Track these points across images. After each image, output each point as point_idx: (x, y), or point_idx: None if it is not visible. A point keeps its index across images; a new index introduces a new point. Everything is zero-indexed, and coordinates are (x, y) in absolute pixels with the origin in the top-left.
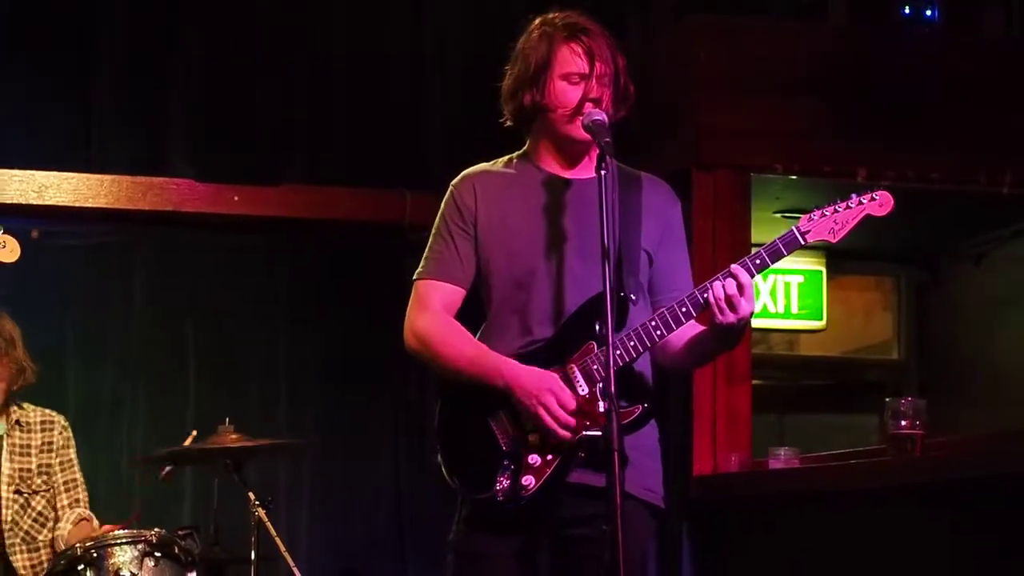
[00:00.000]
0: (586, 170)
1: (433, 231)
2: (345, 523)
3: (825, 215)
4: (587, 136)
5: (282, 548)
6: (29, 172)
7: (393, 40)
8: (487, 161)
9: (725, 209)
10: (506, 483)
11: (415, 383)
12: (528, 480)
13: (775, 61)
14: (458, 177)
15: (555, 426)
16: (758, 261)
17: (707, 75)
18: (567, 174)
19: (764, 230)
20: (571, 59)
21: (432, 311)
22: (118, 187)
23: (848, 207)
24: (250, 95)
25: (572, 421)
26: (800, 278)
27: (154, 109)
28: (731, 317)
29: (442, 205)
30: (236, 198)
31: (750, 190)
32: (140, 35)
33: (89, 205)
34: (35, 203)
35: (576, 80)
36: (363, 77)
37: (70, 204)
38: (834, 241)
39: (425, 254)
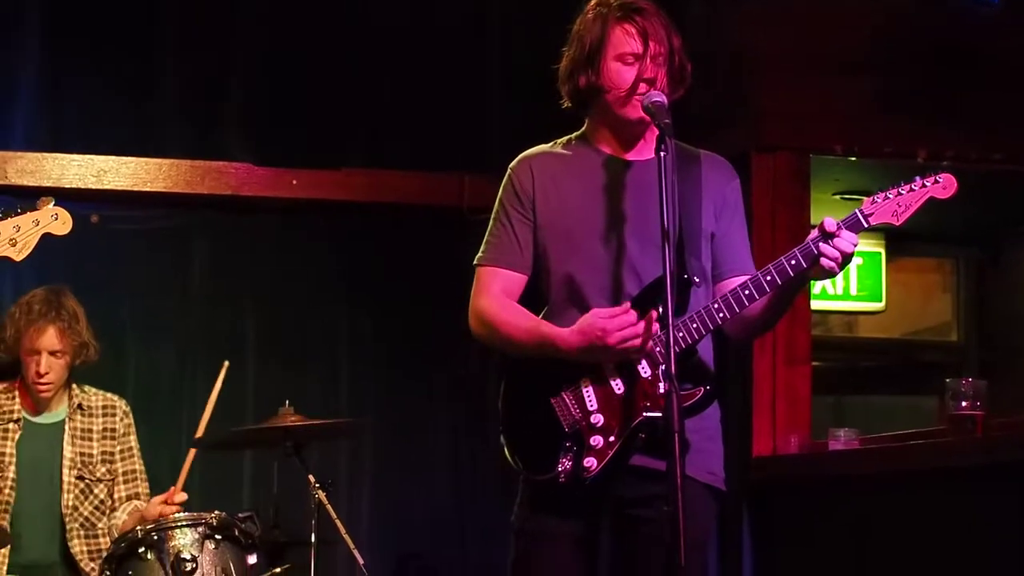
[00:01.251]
0: (644, 151)
1: (493, 215)
2: (405, 504)
3: (888, 197)
4: (642, 116)
5: (342, 530)
6: (88, 157)
7: (453, 22)
8: (546, 142)
9: (785, 191)
10: (568, 465)
11: (474, 364)
12: (590, 462)
13: (834, 42)
14: (516, 160)
15: (626, 345)
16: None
17: (766, 56)
18: (625, 155)
19: (823, 212)
20: (625, 39)
21: (491, 293)
22: (177, 171)
23: (911, 189)
24: (309, 79)
25: (635, 331)
26: (859, 260)
27: (213, 93)
28: (832, 265)
29: (501, 188)
30: (295, 182)
31: (809, 172)
32: (200, 19)
33: (148, 189)
34: (94, 187)
35: (630, 60)
36: (422, 59)
37: (129, 188)
38: (897, 224)
39: (485, 238)
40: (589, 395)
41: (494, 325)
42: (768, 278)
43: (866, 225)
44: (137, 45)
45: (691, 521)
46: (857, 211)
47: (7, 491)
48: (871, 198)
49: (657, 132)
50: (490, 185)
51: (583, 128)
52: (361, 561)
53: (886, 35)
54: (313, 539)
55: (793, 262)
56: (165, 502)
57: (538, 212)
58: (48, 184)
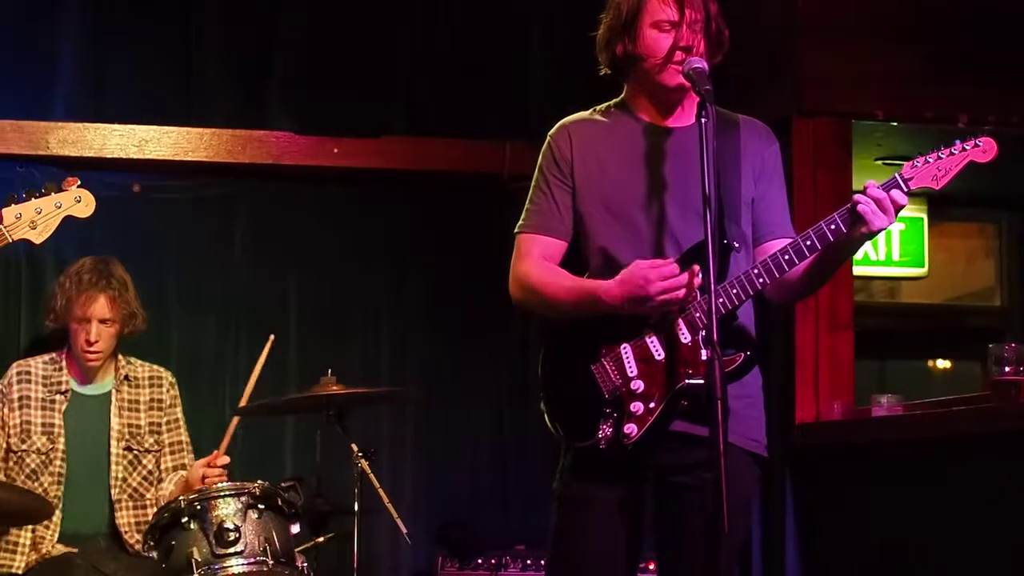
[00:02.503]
0: (682, 118)
1: (532, 182)
2: (448, 473)
3: (928, 162)
4: (680, 83)
5: (385, 499)
6: (130, 126)
7: None
8: (586, 109)
9: (826, 157)
10: (608, 431)
11: (516, 331)
12: (630, 428)
13: (876, 7)
14: (555, 127)
15: (668, 296)
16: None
17: (807, 21)
18: (664, 122)
19: (865, 177)
20: (661, 7)
21: (532, 258)
22: (218, 140)
23: (951, 153)
24: (349, 47)
25: (678, 282)
26: (902, 225)
27: (254, 62)
28: (883, 221)
29: (540, 156)
30: (336, 150)
31: (851, 137)
32: None
33: (189, 159)
34: (136, 157)
35: (667, 28)
36: (462, 26)
37: (170, 158)
38: (937, 188)
39: (525, 206)
40: (629, 361)
41: (536, 287)
42: (808, 243)
43: (906, 189)
44: (178, 14)
45: (733, 488)
46: (897, 175)
47: (58, 462)
48: (911, 162)
49: (697, 98)
50: (531, 152)
51: (622, 95)
52: (404, 530)
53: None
54: (356, 508)
55: (833, 226)
56: (208, 465)
57: (577, 179)
58: (90, 154)
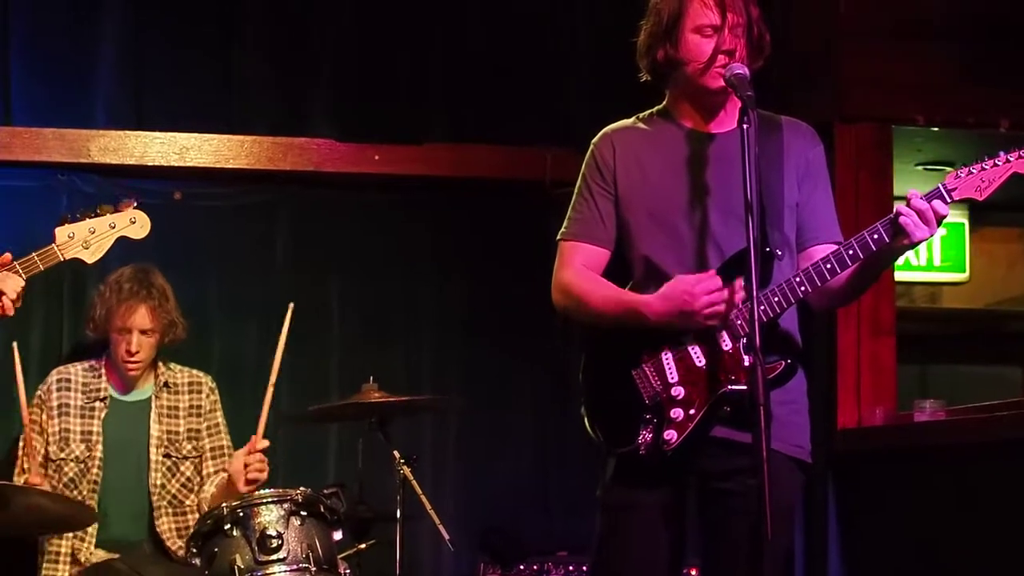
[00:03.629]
0: (724, 123)
1: (576, 190)
2: (489, 478)
3: (972, 172)
4: (721, 86)
5: (427, 506)
6: (171, 134)
7: None
8: (629, 117)
9: (867, 162)
10: (648, 437)
11: (558, 337)
12: (670, 435)
13: (917, 10)
14: (598, 135)
15: (712, 310)
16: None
17: (847, 26)
18: (707, 128)
19: (906, 183)
20: (702, 11)
21: (574, 266)
22: (259, 148)
23: (995, 164)
24: (391, 53)
25: (720, 297)
26: (943, 231)
27: (295, 69)
28: (924, 232)
29: (584, 164)
30: (377, 157)
31: (891, 142)
32: None
33: (230, 166)
34: (177, 164)
35: (708, 32)
36: (504, 33)
37: (211, 165)
38: (980, 199)
39: (568, 213)
40: (670, 367)
41: (578, 296)
42: (850, 252)
43: (949, 200)
44: (219, 22)
45: (776, 493)
46: (940, 185)
47: (95, 470)
48: (955, 172)
49: (739, 102)
50: (573, 159)
51: (664, 102)
52: (446, 536)
53: (968, 3)
54: (398, 514)
55: (875, 236)
56: (248, 452)
57: (620, 187)
58: (131, 162)
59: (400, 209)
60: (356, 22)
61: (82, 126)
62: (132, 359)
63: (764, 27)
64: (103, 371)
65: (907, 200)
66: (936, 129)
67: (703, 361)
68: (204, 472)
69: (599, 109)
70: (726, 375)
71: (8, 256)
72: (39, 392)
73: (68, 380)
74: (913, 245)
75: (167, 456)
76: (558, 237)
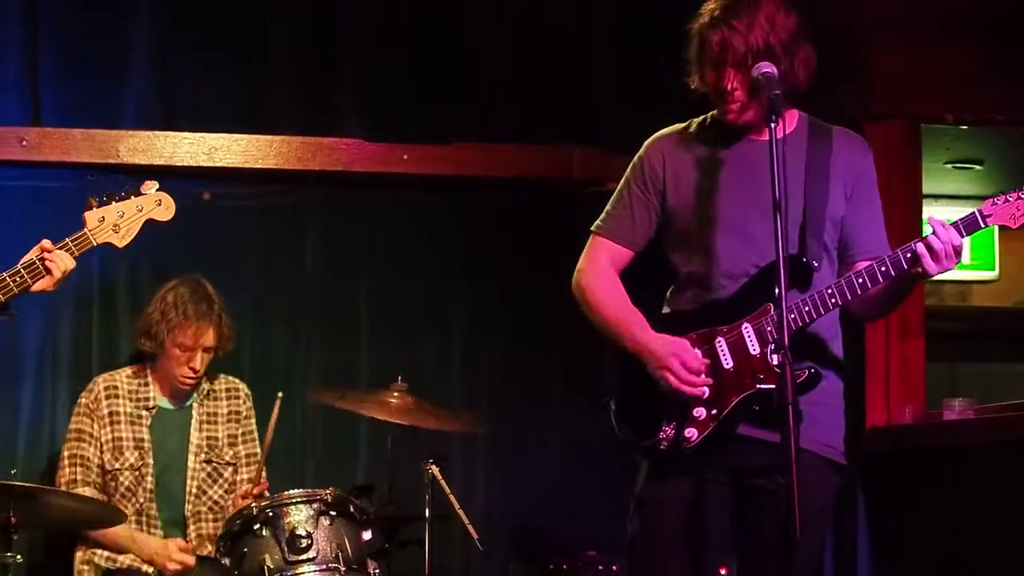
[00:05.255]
0: (780, 128)
1: (619, 186)
2: (519, 479)
3: (1008, 200)
4: (737, 120)
5: (456, 506)
6: (199, 134)
7: None
8: (656, 115)
9: (896, 160)
10: (670, 432)
11: (588, 337)
12: (691, 432)
13: (944, 8)
14: (651, 138)
15: (680, 386)
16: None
17: (876, 24)
18: (753, 135)
19: (935, 181)
20: (711, 47)
21: (598, 265)
22: (288, 148)
23: None
24: (419, 53)
25: (697, 381)
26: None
27: (323, 69)
28: (933, 268)
29: (631, 164)
30: (405, 157)
31: (921, 141)
32: None
33: (259, 166)
34: (205, 165)
35: (711, 69)
36: (532, 33)
37: (240, 165)
38: (1014, 227)
39: (607, 207)
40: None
41: (589, 298)
42: (883, 269)
43: (983, 226)
44: (248, 22)
45: (808, 493)
46: (976, 212)
47: (149, 478)
48: (992, 199)
49: (791, 110)
50: (600, 157)
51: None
52: (476, 536)
53: (996, 0)
54: (427, 514)
55: (909, 255)
56: (244, 496)
57: (667, 193)
58: (160, 162)
59: (429, 208)
60: (384, 22)
61: (111, 127)
62: (194, 376)
63: (796, 43)
64: (148, 379)
65: (932, 231)
66: (965, 127)
67: (730, 363)
68: (238, 478)
69: (626, 107)
70: (753, 377)
71: (48, 241)
72: (85, 401)
73: (115, 387)
74: (929, 276)
75: (207, 462)
76: (592, 227)
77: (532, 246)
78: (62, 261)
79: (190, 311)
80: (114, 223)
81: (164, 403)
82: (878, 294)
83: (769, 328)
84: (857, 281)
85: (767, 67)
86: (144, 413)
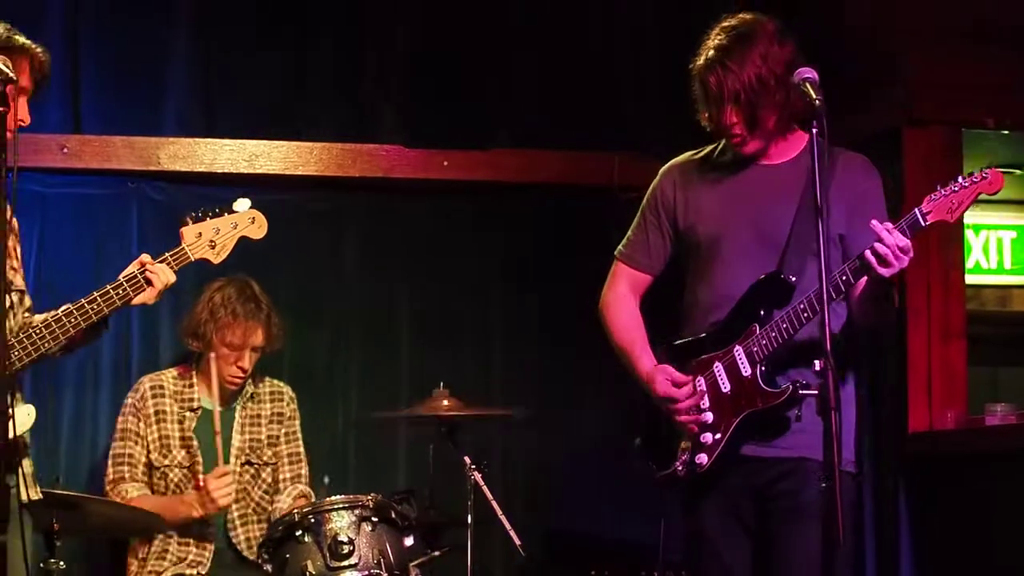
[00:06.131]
0: (787, 151)
1: (639, 209)
2: (560, 484)
3: (943, 195)
4: (740, 154)
5: (498, 511)
6: (240, 141)
7: (602, 1)
8: (696, 119)
9: (937, 166)
10: (685, 459)
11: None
12: (701, 458)
13: (984, 13)
14: (666, 166)
15: (680, 418)
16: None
17: (916, 30)
18: (763, 160)
19: None
20: (704, 90)
21: (616, 291)
22: (328, 154)
23: (963, 187)
24: (458, 59)
25: (690, 415)
26: (1013, 234)
27: (363, 76)
28: (884, 271)
29: (648, 189)
30: (446, 163)
31: (962, 146)
32: (350, 3)
33: (299, 173)
34: (246, 172)
35: (717, 106)
36: (571, 39)
37: (281, 172)
38: (952, 221)
39: (628, 232)
40: (702, 392)
41: (606, 323)
42: (843, 277)
43: (924, 224)
44: (288, 30)
45: (805, 498)
46: (916, 210)
47: (201, 477)
48: (929, 196)
49: (795, 132)
50: (640, 163)
51: None
52: (518, 541)
53: None
54: (470, 520)
55: (858, 263)
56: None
57: (678, 222)
58: (200, 169)
59: (469, 215)
60: (423, 29)
61: (152, 134)
62: (242, 375)
63: (757, 88)
64: (193, 380)
65: (877, 238)
66: (1006, 132)
67: (728, 387)
68: (280, 478)
69: (667, 112)
70: (747, 400)
71: (147, 256)
72: (131, 400)
73: (161, 387)
74: (883, 277)
75: (248, 463)
76: (615, 251)
77: (572, 252)
78: (164, 274)
79: (239, 310)
80: (210, 239)
81: (208, 404)
82: (860, 302)
83: (755, 349)
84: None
85: (808, 72)
86: (188, 414)
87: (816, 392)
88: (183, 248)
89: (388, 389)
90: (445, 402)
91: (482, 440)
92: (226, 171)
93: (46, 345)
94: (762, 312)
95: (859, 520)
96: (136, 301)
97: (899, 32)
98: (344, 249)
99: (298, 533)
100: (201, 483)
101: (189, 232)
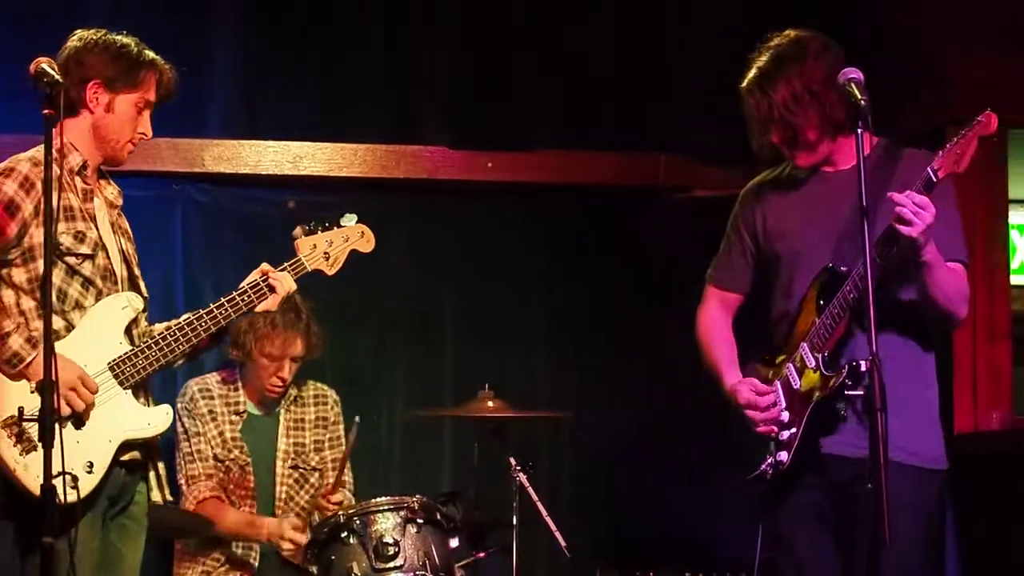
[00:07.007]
0: (849, 157)
1: (725, 233)
2: (605, 485)
3: (949, 149)
4: (805, 165)
5: (543, 512)
6: (284, 143)
7: (650, 2)
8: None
9: (982, 165)
10: (770, 460)
11: (671, 343)
12: (782, 455)
13: (1023, 10)
14: (746, 187)
15: (760, 427)
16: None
17: (960, 29)
18: (826, 168)
19: (1021, 185)
20: (753, 111)
21: (706, 311)
22: (372, 156)
23: (963, 136)
24: (502, 60)
25: (765, 416)
26: None
27: (407, 78)
28: (907, 230)
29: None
30: (490, 164)
31: (1007, 145)
32: (394, 5)
33: (343, 174)
34: (290, 173)
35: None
36: (615, 39)
37: (324, 174)
38: (960, 171)
39: (717, 254)
40: (779, 394)
41: (700, 342)
42: (878, 250)
43: (936, 179)
44: (332, 31)
45: (895, 502)
46: (928, 168)
47: (250, 477)
48: (937, 152)
49: (844, 139)
50: (686, 163)
51: None
52: (563, 543)
53: None
54: (515, 521)
55: (888, 230)
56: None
57: (760, 240)
58: (245, 171)
59: (514, 216)
60: (468, 30)
61: (196, 135)
62: (282, 385)
63: (791, 105)
64: (238, 385)
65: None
66: None
67: (798, 383)
68: (324, 483)
69: (713, 112)
70: (815, 390)
71: (267, 265)
72: (181, 404)
73: (208, 390)
74: (916, 240)
75: (295, 467)
76: (706, 275)
77: (617, 253)
78: (286, 281)
79: (278, 321)
80: (324, 251)
81: (253, 409)
82: (920, 280)
83: (815, 340)
84: (864, 271)
85: (853, 73)
86: (234, 418)
87: (862, 393)
88: (300, 259)
89: (433, 389)
90: (490, 403)
91: (527, 440)
92: (270, 172)
93: (174, 352)
94: (821, 303)
95: (941, 516)
96: (259, 308)
97: (939, 32)
98: (388, 251)
99: (343, 535)
100: (252, 479)
101: (304, 244)
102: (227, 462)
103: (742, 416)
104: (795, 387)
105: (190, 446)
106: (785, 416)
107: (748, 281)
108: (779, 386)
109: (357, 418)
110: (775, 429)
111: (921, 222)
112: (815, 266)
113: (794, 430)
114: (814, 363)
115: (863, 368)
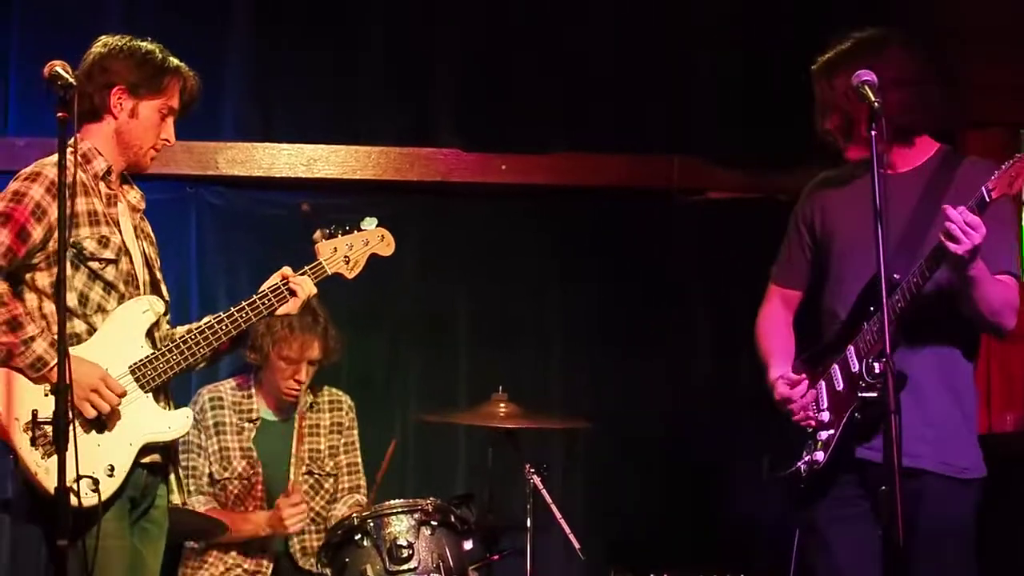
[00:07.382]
0: (909, 161)
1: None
2: (619, 488)
3: (1004, 170)
4: (856, 159)
5: (558, 515)
6: (298, 145)
7: (660, 3)
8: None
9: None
10: (807, 458)
11: (686, 346)
12: (818, 455)
13: None
14: (811, 183)
15: (799, 420)
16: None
17: (974, 32)
18: (893, 168)
19: None
20: (818, 97)
21: (765, 309)
22: (386, 158)
23: (1019, 159)
24: (515, 63)
25: (806, 413)
26: None
27: (421, 80)
28: (955, 248)
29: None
30: (504, 167)
31: (1021, 146)
32: (406, 6)
33: (357, 177)
34: (304, 176)
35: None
36: (628, 41)
37: (338, 176)
38: (1012, 193)
39: (779, 251)
40: (822, 394)
41: (756, 339)
42: (927, 263)
43: (989, 200)
44: (345, 34)
45: (929, 514)
46: (983, 188)
47: (260, 486)
48: (994, 174)
49: (927, 140)
50: (700, 166)
51: None
52: (577, 546)
53: None
54: (529, 524)
55: (936, 247)
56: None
57: (817, 236)
58: (258, 174)
59: (527, 218)
60: (481, 33)
61: (210, 138)
62: (298, 388)
63: (901, 84)
64: (252, 391)
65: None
66: None
67: (842, 385)
68: (338, 487)
69: (726, 114)
70: (854, 392)
71: (288, 268)
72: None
73: (220, 399)
74: (961, 258)
75: (309, 473)
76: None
77: (631, 255)
78: (307, 285)
79: (295, 323)
80: (344, 255)
81: (267, 415)
82: (961, 291)
83: (861, 345)
84: (912, 280)
85: (866, 75)
86: (247, 425)
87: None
88: (320, 263)
89: (446, 392)
90: (503, 406)
91: (541, 443)
92: (284, 175)
93: (195, 356)
94: (871, 308)
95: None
96: (279, 312)
97: (956, 35)
98: (402, 253)
99: (357, 537)
100: (261, 489)
101: (325, 247)
102: (223, 480)
103: (779, 408)
104: (838, 388)
105: (187, 460)
106: (825, 416)
107: (807, 277)
108: (823, 386)
109: (394, 441)
110: (812, 423)
111: (969, 241)
112: (863, 268)
113: (832, 432)
114: (857, 368)
115: (877, 370)
